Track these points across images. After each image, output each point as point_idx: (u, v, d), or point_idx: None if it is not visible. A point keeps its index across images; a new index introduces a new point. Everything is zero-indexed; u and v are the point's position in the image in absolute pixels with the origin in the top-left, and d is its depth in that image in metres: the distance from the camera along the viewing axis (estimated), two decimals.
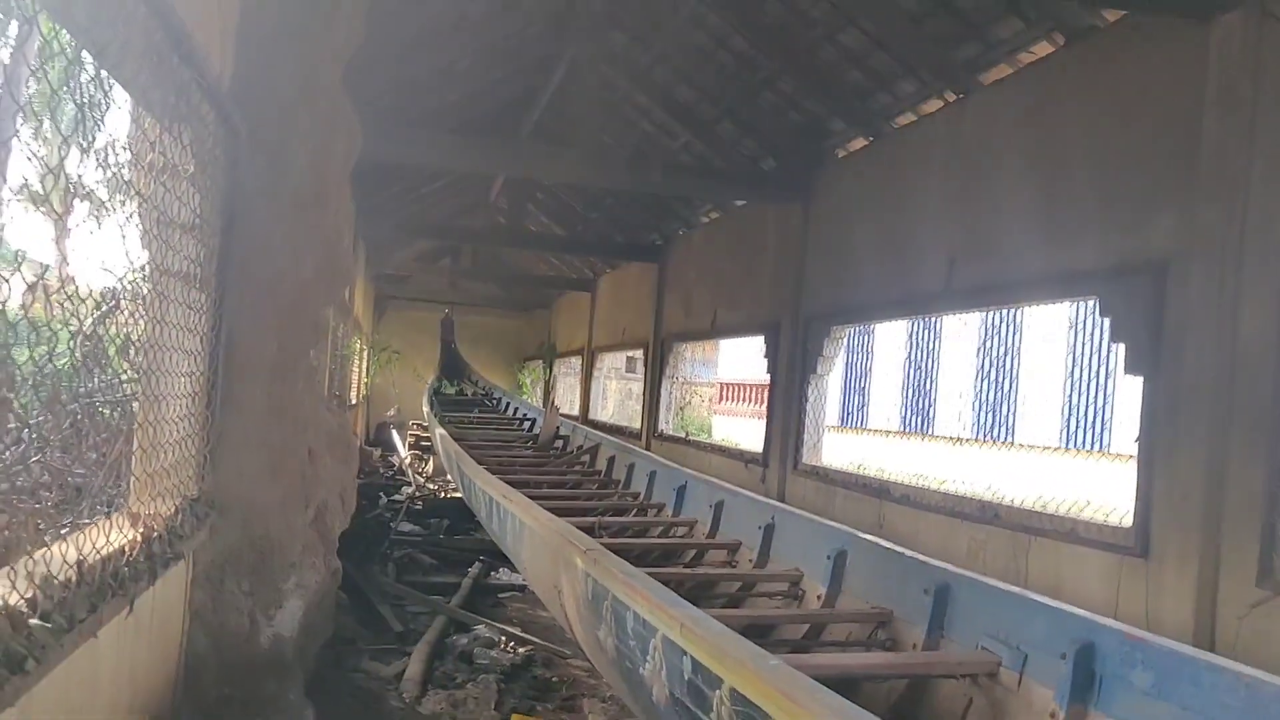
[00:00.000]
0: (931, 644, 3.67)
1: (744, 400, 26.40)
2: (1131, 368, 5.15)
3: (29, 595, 1.90)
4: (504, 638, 6.77)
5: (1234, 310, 4.51)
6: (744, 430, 17.24)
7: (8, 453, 2.85)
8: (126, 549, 2.54)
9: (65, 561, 2.16)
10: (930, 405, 23.19)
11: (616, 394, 21.46)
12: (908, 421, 23.65)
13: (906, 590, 3.92)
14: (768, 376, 9.78)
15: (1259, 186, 4.43)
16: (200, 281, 3.37)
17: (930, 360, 23.13)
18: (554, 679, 6.08)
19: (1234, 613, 4.38)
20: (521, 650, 6.51)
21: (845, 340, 9.03)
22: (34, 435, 2.88)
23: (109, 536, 2.52)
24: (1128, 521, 5.05)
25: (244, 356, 3.77)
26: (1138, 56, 5.28)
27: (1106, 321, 5.37)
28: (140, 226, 2.72)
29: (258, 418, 3.78)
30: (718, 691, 2.47)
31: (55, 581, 2.01)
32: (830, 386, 9.16)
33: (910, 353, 23.60)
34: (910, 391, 23.66)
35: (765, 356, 9.80)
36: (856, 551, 4.51)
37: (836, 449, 14.71)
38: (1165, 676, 2.74)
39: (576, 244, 16.51)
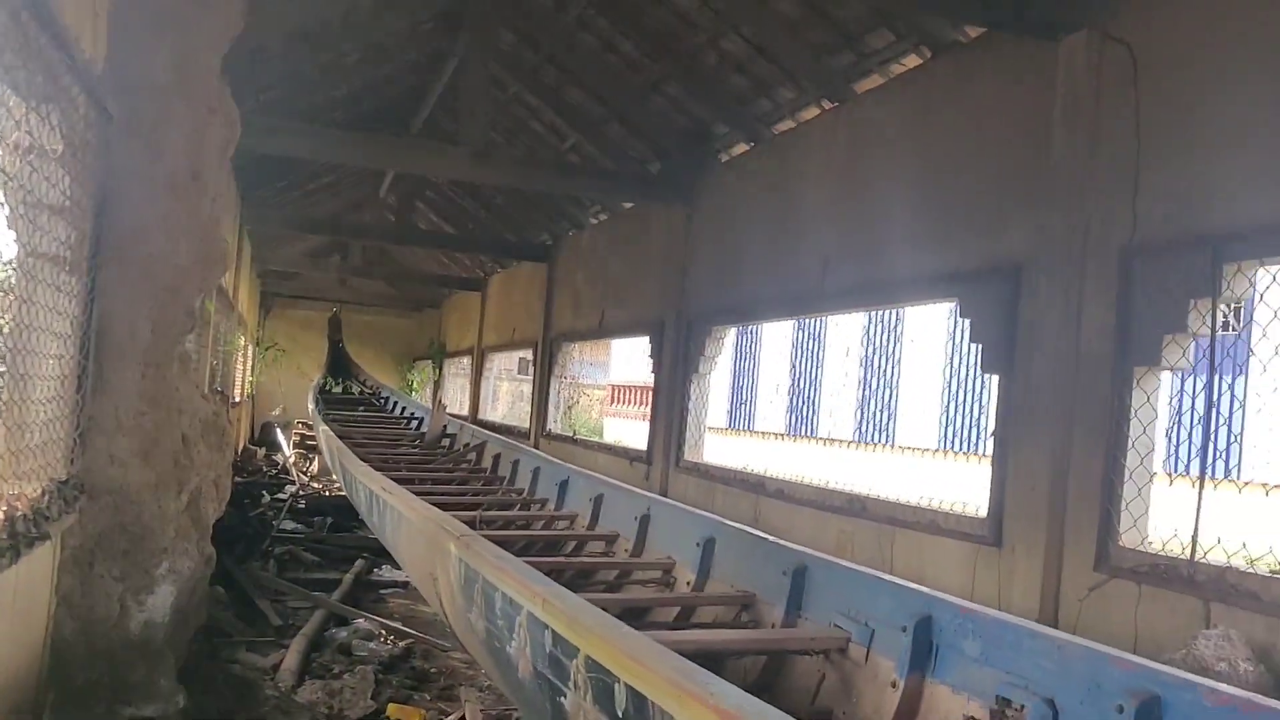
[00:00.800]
0: (790, 622, 3.86)
1: (635, 403, 26.62)
2: (988, 366, 5.45)
3: None
4: (384, 631, 6.78)
5: (1078, 312, 4.81)
6: (635, 432, 17.44)
7: None
8: None
9: None
10: (814, 409, 23.75)
11: (508, 395, 21.48)
12: (793, 425, 24.18)
13: (768, 573, 4.10)
14: (652, 376, 9.95)
15: (1099, 197, 4.73)
16: (71, 265, 3.37)
17: (814, 365, 23.69)
18: (432, 670, 6.13)
19: (1075, 595, 4.67)
20: (401, 643, 6.54)
21: (728, 341, 9.25)
22: None
23: None
24: (983, 513, 5.33)
25: (117, 340, 3.76)
26: (995, 72, 5.58)
27: (967, 323, 5.67)
28: (6, 207, 2.73)
29: (130, 402, 3.78)
30: (575, 660, 2.59)
31: None
32: (718, 389, 9.40)
33: (795, 357, 24.13)
34: (795, 396, 24.18)
35: (650, 356, 9.97)
36: (724, 539, 4.69)
37: (724, 451, 15.04)
38: (991, 644, 2.95)
39: (467, 243, 16.50)
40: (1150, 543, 4.47)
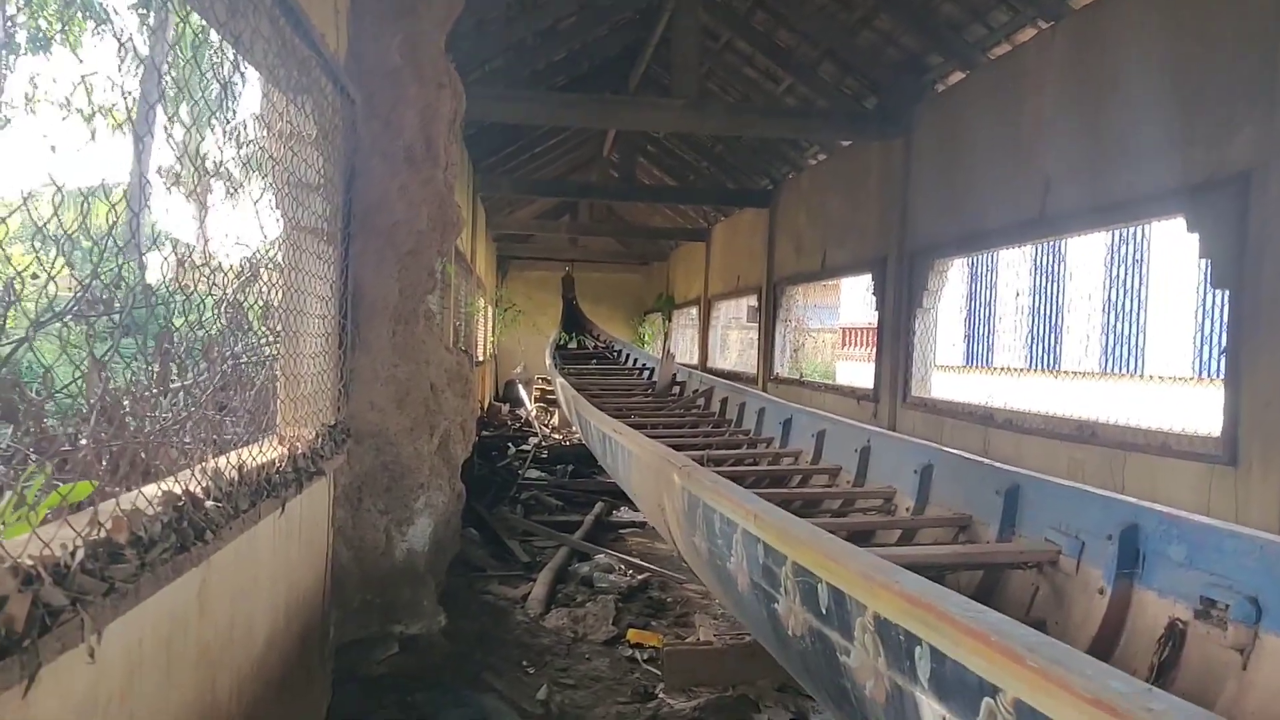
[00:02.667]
0: (1004, 539, 3.93)
1: (866, 344, 26.35)
2: (1217, 282, 5.25)
3: (205, 486, 2.35)
4: (622, 565, 7.21)
5: None
6: (867, 373, 17.43)
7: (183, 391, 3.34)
8: (277, 461, 3.00)
9: (230, 465, 2.61)
10: (1056, 340, 22.83)
11: (738, 343, 21.72)
12: (1034, 358, 23.34)
13: (983, 494, 4.18)
14: (875, 314, 9.96)
15: None
16: (328, 236, 3.82)
17: (1055, 294, 22.73)
18: (668, 600, 6.49)
19: None
20: (639, 576, 6.94)
21: (961, 275, 9.14)
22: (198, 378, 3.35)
23: (263, 451, 2.99)
24: (1216, 432, 5.17)
25: (369, 301, 4.22)
26: None
27: (1195, 238, 5.46)
28: (275, 188, 3.16)
29: (384, 355, 4.24)
30: (783, 568, 2.80)
31: (223, 478, 2.46)
32: (952, 324, 9.30)
33: (1033, 287, 23.21)
34: (1035, 327, 23.29)
35: (873, 293, 9.97)
36: (940, 465, 4.77)
37: (961, 388, 14.77)
38: (1195, 547, 2.96)
39: (689, 194, 16.79)
40: None
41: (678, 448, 6.12)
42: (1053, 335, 22.85)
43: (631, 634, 5.64)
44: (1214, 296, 18.55)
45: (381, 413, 4.25)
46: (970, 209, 8.00)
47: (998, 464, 4.39)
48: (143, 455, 2.61)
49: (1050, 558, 3.56)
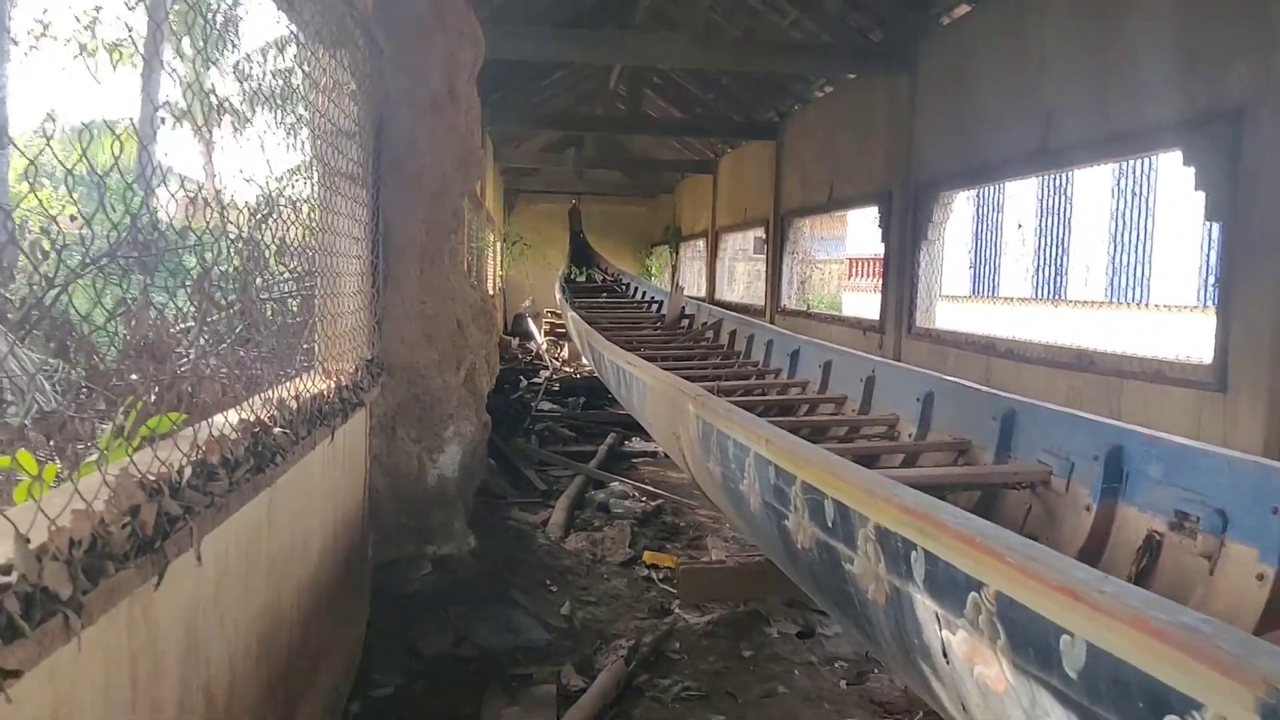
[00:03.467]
0: (1000, 462, 4.20)
1: (873, 275, 26.49)
2: (1211, 214, 5.44)
3: (272, 415, 2.60)
4: (636, 492, 7.50)
5: None
6: (874, 304, 17.66)
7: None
8: (325, 392, 3.25)
9: (289, 396, 2.86)
10: (1062, 270, 23.00)
11: (745, 275, 21.87)
12: (1039, 288, 23.53)
13: (980, 420, 4.43)
14: (881, 246, 10.14)
15: None
16: (361, 180, 4.03)
17: (1060, 224, 22.85)
18: (681, 524, 6.80)
19: None
20: (653, 502, 7.23)
21: (967, 207, 9.30)
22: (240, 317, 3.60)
23: (312, 384, 3.24)
24: (1207, 360, 5.40)
25: (399, 241, 4.45)
26: None
27: (1191, 171, 5.64)
28: (314, 137, 3.37)
29: (413, 293, 4.48)
30: (793, 487, 3.06)
31: (287, 407, 2.71)
32: (958, 255, 9.45)
33: (1039, 218, 23.33)
34: (1040, 257, 23.46)
35: (879, 226, 10.15)
36: (941, 392, 5.02)
37: (967, 319, 14.96)
38: (1172, 466, 3.21)
39: (695, 127, 16.86)
40: None
41: (689, 379, 6.37)
42: (1056, 267, 23.04)
43: (648, 555, 5.94)
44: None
45: (412, 347, 4.49)
46: (974, 142, 8.15)
47: (994, 391, 4.65)
48: (189, 389, 2.85)
49: (1042, 478, 3.82)
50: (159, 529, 1.71)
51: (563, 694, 4.02)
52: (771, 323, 12.92)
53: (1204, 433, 5.32)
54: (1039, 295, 23.41)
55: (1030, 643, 1.79)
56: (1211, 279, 18.68)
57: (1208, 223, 5.51)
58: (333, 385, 3.34)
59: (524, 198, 25.00)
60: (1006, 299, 24.33)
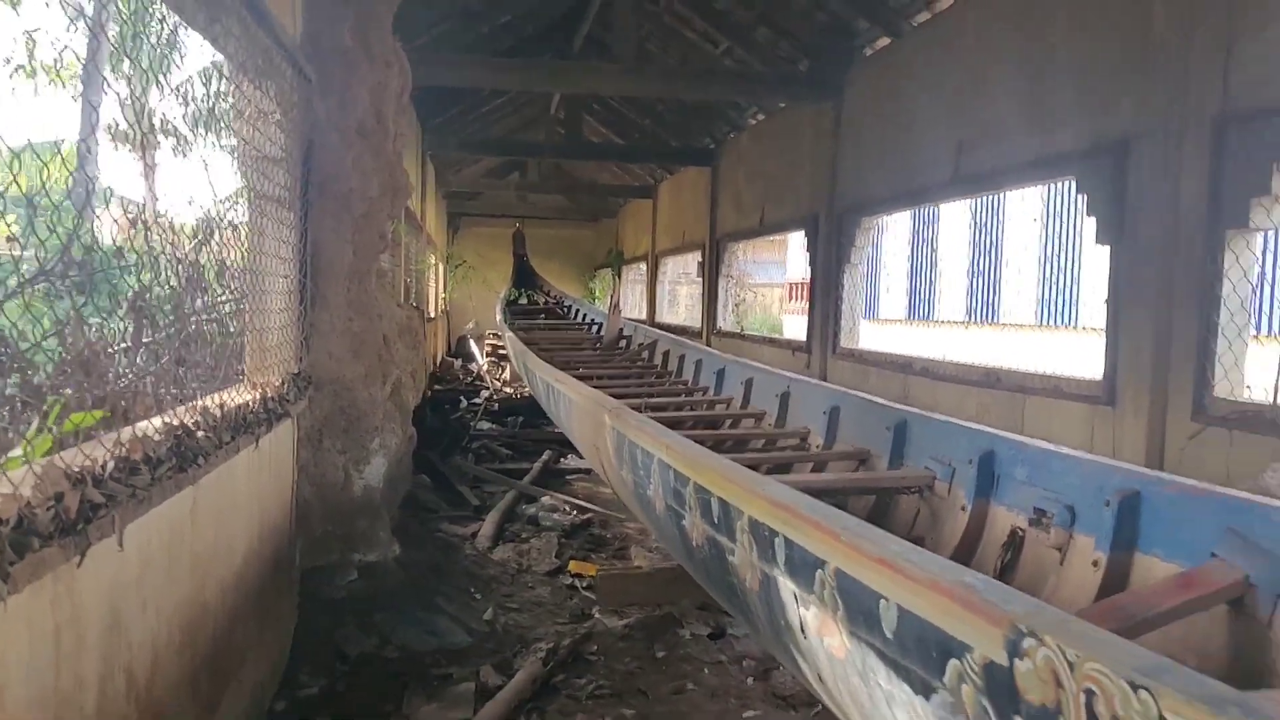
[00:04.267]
0: (894, 469, 4.48)
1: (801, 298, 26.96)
2: (1101, 238, 5.80)
3: (195, 420, 2.80)
4: (567, 506, 7.72)
5: (1177, 181, 5.13)
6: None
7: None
8: (250, 403, 3.44)
9: (213, 406, 3.06)
10: (994, 294, 23.57)
11: (687, 298, 22.19)
12: (973, 311, 24.08)
13: (878, 431, 4.72)
14: (808, 269, 10.48)
15: (1196, 70, 5.01)
16: (289, 203, 4.23)
17: (994, 249, 23.43)
18: (608, 536, 7.03)
19: (1177, 444, 5.09)
20: (582, 516, 7.46)
21: (896, 231, 9.65)
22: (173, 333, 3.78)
23: (238, 394, 3.44)
24: (1099, 376, 5.75)
25: (326, 261, 4.65)
26: None
27: (1083, 198, 6.00)
28: (241, 164, 3.58)
29: (340, 310, 4.68)
30: (687, 489, 3.31)
31: (209, 415, 2.91)
32: (896, 279, 9.70)
33: (973, 242, 23.88)
34: (974, 281, 24.01)
35: (806, 250, 10.49)
36: (846, 406, 5.31)
37: (904, 341, 15.31)
38: (1034, 468, 3.51)
39: (634, 153, 17.18)
40: (1241, 392, 4.85)
41: (621, 397, 6.63)
42: (990, 290, 23.58)
43: (573, 565, 6.16)
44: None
45: (339, 362, 4.69)
46: (893, 169, 8.51)
47: (890, 404, 4.94)
48: (122, 403, 3.04)
49: (927, 482, 4.11)
50: (82, 513, 1.91)
51: (481, 692, 4.22)
52: (708, 344, 13.23)
53: (1096, 444, 5.65)
54: (973, 318, 23.92)
55: (860, 611, 2.04)
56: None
57: (1098, 245, 5.85)
58: (258, 396, 3.54)
59: (467, 221, 25.18)
60: (941, 322, 24.83)
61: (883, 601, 1.92)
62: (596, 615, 5.31)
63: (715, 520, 3.01)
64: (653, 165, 17.79)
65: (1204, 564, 2.55)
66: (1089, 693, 1.35)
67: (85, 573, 2.00)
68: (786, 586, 2.47)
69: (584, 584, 5.87)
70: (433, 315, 16.89)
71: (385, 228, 4.95)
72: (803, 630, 2.42)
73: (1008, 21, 6.88)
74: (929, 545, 3.93)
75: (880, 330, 23.74)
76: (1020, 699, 1.50)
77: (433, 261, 16.97)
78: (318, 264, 4.63)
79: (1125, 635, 1.95)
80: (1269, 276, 12.53)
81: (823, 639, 2.29)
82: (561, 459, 9.97)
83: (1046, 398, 6.23)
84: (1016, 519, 3.51)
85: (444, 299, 20.83)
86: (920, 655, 1.80)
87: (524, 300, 18.32)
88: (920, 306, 25.72)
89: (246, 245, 3.68)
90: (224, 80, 3.42)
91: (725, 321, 14.26)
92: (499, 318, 15.25)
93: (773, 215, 11.92)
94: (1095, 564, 2.98)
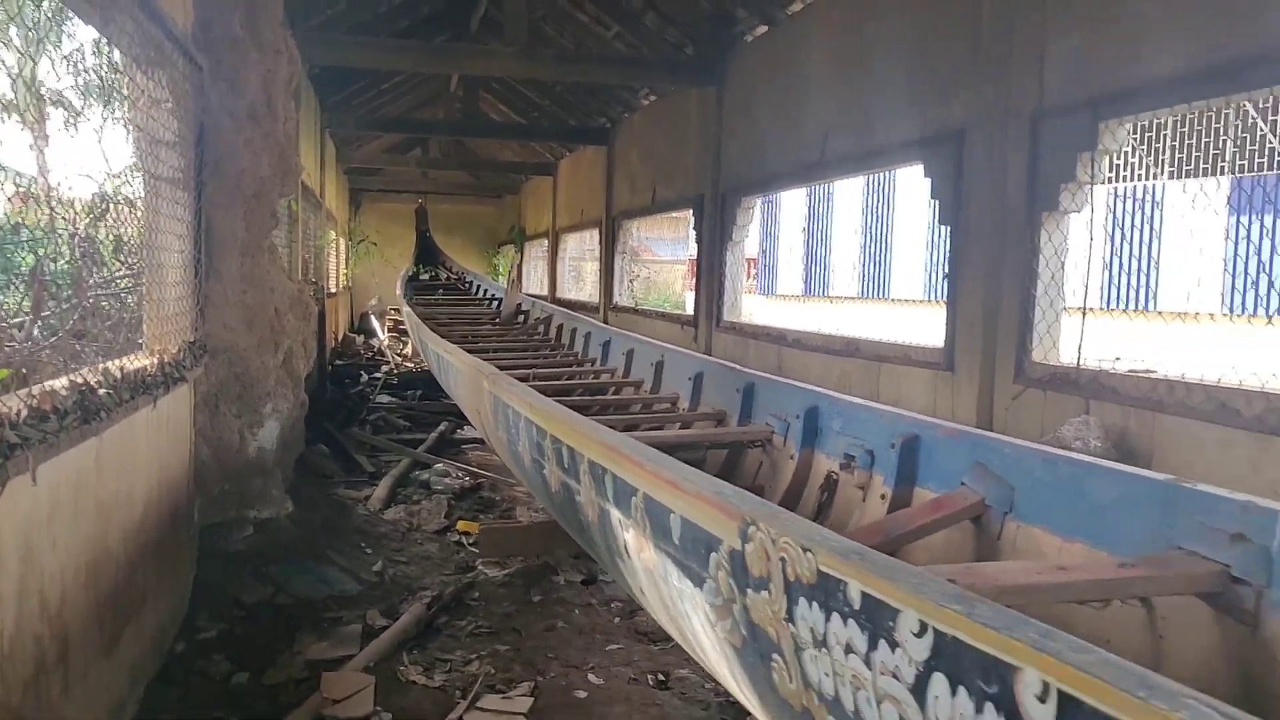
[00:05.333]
0: (742, 426, 5.00)
1: None
2: (943, 220, 6.37)
3: (96, 380, 3.15)
4: (460, 473, 8.12)
5: (1004, 169, 5.70)
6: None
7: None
8: (148, 366, 3.79)
9: (113, 368, 3.40)
10: (886, 269, 24.49)
11: (592, 274, 22.59)
12: (865, 286, 24.97)
13: (731, 393, 5.22)
14: (695, 246, 10.97)
15: (1018, 69, 5.58)
16: (183, 184, 4.55)
17: (884, 226, 24.33)
18: (497, 498, 7.45)
19: (1003, 405, 5.68)
20: (474, 480, 7.86)
21: (793, 209, 10.18)
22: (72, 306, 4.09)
23: (136, 360, 3.78)
24: (940, 344, 6.33)
25: (220, 238, 4.98)
26: None
27: (929, 182, 6.57)
28: (136, 148, 3.90)
29: (234, 283, 5.01)
30: (545, 440, 3.76)
31: (110, 376, 3.26)
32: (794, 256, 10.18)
33: (864, 218, 24.75)
34: (866, 257, 24.89)
35: (694, 228, 10.98)
36: (709, 372, 5.83)
37: (801, 317, 15.90)
38: (847, 420, 4.05)
39: (531, 131, 17.47)
40: (1056, 357, 5.46)
41: (515, 368, 7.06)
42: (880, 266, 24.50)
43: (460, 524, 6.57)
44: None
45: (233, 332, 5.03)
46: (769, 152, 9.03)
47: (740, 368, 5.47)
48: (23, 370, 3.38)
49: (766, 436, 4.63)
50: (1, 451, 2.28)
51: (368, 632, 4.63)
52: (605, 318, 13.71)
53: (939, 406, 6.23)
54: (865, 294, 24.78)
55: (659, 526, 2.51)
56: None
57: (941, 226, 6.42)
58: (155, 361, 3.88)
59: (370, 197, 25.21)
60: (836, 298, 25.67)
61: (672, 515, 2.39)
62: (479, 567, 5.74)
63: (565, 466, 3.46)
64: (553, 144, 18.11)
65: (955, 490, 3.08)
66: (783, 560, 1.82)
67: (4, 505, 2.36)
68: (614, 515, 2.93)
69: (470, 541, 6.28)
70: (334, 291, 17.02)
71: (276, 206, 5.28)
72: (626, 551, 2.89)
73: (867, 16, 7.41)
74: (767, 492, 4.45)
75: (779, 306, 24.58)
76: (749, 574, 1.97)
77: (333, 237, 17.09)
78: (212, 240, 4.95)
79: (887, 548, 2.46)
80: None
81: (639, 555, 2.75)
82: (458, 430, 10.34)
83: (898, 365, 6.80)
84: (832, 464, 4.03)
85: (346, 275, 20.92)
86: (695, 554, 2.27)
87: (426, 276, 18.56)
88: (814, 283, 26.60)
89: (143, 222, 4.01)
90: (113, 57, 3.74)
91: (622, 297, 14.71)
92: (399, 293, 15.51)
93: (664, 194, 12.38)
94: (883, 497, 3.51)
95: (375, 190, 24.51)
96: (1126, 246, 14.84)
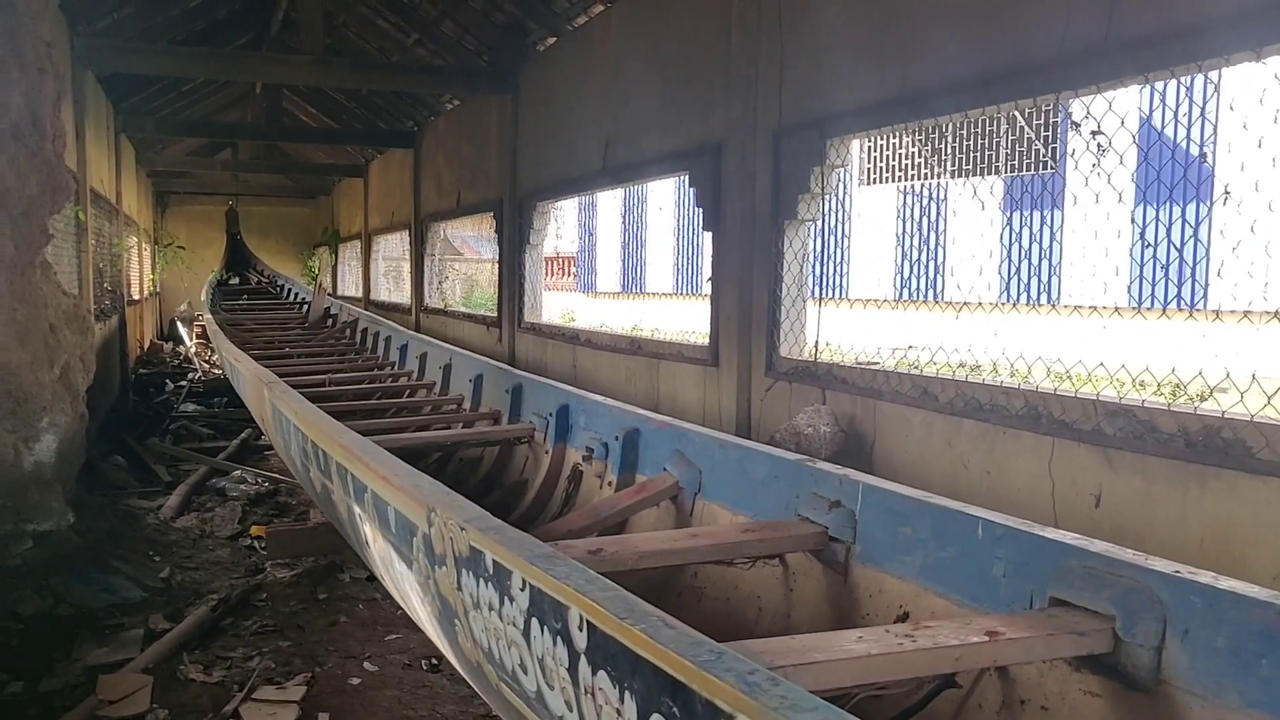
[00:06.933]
0: (513, 424, 5.36)
1: (547, 274, 27.95)
2: (706, 226, 6.87)
3: None
4: (258, 479, 8.21)
5: (753, 181, 6.22)
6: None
7: None
8: None
9: None
10: (697, 268, 25.34)
11: (411, 276, 22.57)
12: (679, 284, 25.78)
13: (502, 394, 5.59)
14: (496, 249, 11.28)
15: (762, 91, 6.10)
16: None
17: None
18: (293, 503, 7.60)
19: (758, 397, 6.21)
20: (270, 487, 7.98)
21: (610, 208, 10.55)
22: None
23: None
24: (705, 342, 6.82)
25: None
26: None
27: (692, 191, 7.06)
28: None
29: (4, 301, 5.07)
30: (306, 444, 4.03)
31: None
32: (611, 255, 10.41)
33: (678, 219, 25.54)
34: (680, 256, 25.68)
35: (495, 231, 11.28)
36: (488, 375, 6.18)
37: (616, 314, 16.34)
38: (591, 416, 4.48)
39: (336, 134, 17.45)
40: (799, 352, 6.01)
41: (316, 373, 7.23)
42: (695, 264, 25.34)
43: (253, 529, 6.72)
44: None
45: (4, 349, 5.08)
46: (558, 159, 9.42)
47: (512, 369, 5.84)
48: None
49: (529, 433, 5.01)
50: None
51: (150, 636, 4.79)
52: (417, 320, 13.90)
53: (707, 400, 6.73)
54: (679, 290, 25.54)
55: (381, 516, 2.84)
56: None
57: (705, 231, 6.92)
58: None
59: (178, 199, 24.53)
60: (653, 294, 26.37)
61: (389, 507, 2.72)
62: (268, 569, 5.93)
63: (323, 467, 3.75)
64: (361, 146, 18.09)
65: (658, 475, 3.52)
66: (452, 539, 2.18)
67: None
68: (356, 510, 3.24)
69: (262, 545, 6.44)
70: (138, 298, 16.60)
71: (46, 223, 5.34)
72: (369, 542, 3.20)
73: (639, 33, 7.87)
74: (529, 486, 4.82)
75: (597, 304, 25.14)
76: (434, 552, 2.32)
77: (134, 243, 16.65)
78: None
79: (594, 529, 2.85)
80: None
81: (375, 545, 3.07)
82: (261, 437, 10.36)
83: (674, 362, 7.28)
84: (578, 456, 4.44)
85: (153, 280, 20.35)
86: (404, 539, 2.61)
87: (236, 280, 18.28)
88: (631, 281, 27.25)
89: None
90: None
91: (432, 299, 14.88)
92: (204, 298, 15.28)
93: (468, 197, 12.64)
94: (610, 484, 3.92)
95: (184, 193, 23.86)
96: (911, 241, 15.91)
